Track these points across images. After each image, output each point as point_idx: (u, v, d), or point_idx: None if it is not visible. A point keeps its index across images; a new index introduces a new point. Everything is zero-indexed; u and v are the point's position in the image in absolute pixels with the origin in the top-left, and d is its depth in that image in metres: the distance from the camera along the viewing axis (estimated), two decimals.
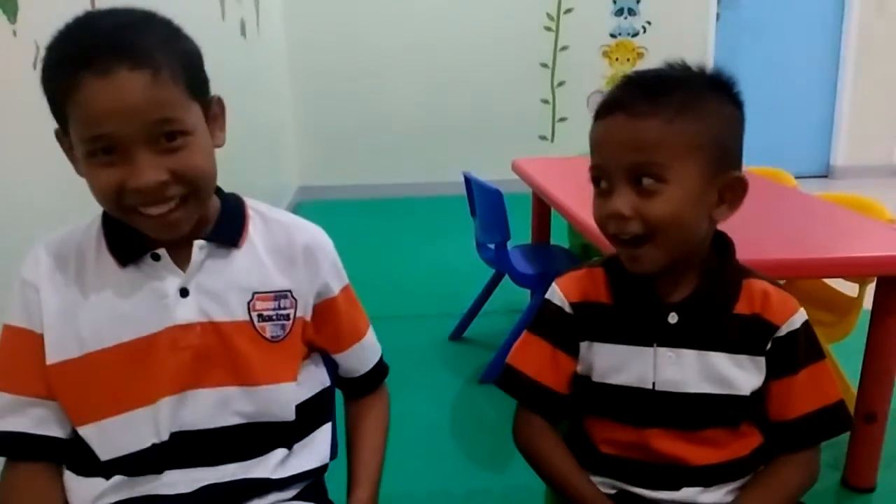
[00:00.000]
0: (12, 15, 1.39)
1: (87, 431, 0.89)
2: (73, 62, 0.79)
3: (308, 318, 0.97)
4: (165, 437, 0.88)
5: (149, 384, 0.88)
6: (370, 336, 1.07)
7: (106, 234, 0.91)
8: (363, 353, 1.06)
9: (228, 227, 0.94)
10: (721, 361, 0.94)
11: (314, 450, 1.00)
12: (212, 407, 0.90)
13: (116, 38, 0.80)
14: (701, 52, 5.19)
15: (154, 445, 0.88)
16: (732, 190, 0.92)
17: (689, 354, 0.94)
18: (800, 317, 0.96)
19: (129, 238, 0.90)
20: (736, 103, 0.93)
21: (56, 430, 0.90)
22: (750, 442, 0.98)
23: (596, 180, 0.93)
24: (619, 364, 0.97)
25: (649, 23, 5.21)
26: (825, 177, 5.56)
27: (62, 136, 0.85)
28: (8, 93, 1.37)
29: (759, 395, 0.96)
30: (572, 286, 1.02)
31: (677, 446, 0.95)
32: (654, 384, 0.95)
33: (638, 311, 0.97)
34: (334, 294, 1.00)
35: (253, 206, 0.99)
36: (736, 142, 0.94)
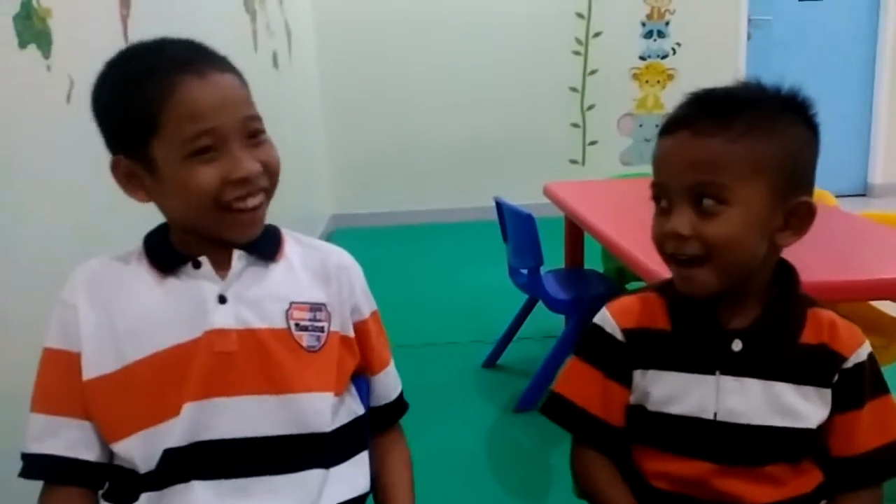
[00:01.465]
0: (46, 50, 1.41)
1: (124, 445, 0.88)
2: (167, 68, 0.85)
3: (349, 334, 0.99)
4: (190, 441, 0.87)
5: (186, 391, 0.88)
6: (393, 365, 1.09)
7: (147, 250, 0.95)
8: (388, 381, 1.08)
9: (266, 243, 0.97)
10: (787, 392, 0.90)
11: (352, 477, 0.97)
12: (247, 415, 0.89)
13: (195, 51, 0.90)
14: (732, 72, 5.14)
15: (177, 450, 0.87)
16: (799, 216, 0.88)
17: (754, 384, 0.90)
18: (866, 348, 0.92)
19: (170, 249, 0.94)
20: (810, 126, 0.90)
21: (87, 454, 0.90)
22: (811, 479, 0.93)
23: (656, 198, 0.90)
24: (679, 393, 0.92)
25: (679, 44, 5.18)
26: (863, 195, 5.45)
27: (125, 161, 0.89)
28: (42, 126, 1.39)
29: (823, 429, 0.92)
30: (625, 312, 0.98)
31: (736, 483, 0.90)
32: (715, 414, 0.91)
33: (700, 337, 0.93)
34: (365, 317, 1.03)
35: (288, 232, 1.03)
36: (807, 166, 0.90)
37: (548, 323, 2.88)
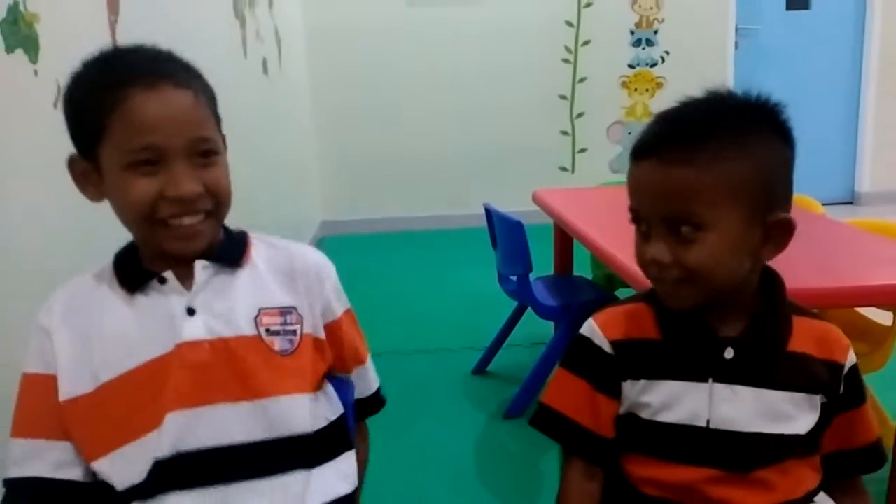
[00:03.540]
0: (34, 55, 1.40)
1: (102, 464, 0.88)
2: (119, 78, 0.85)
3: (320, 336, 0.99)
4: (172, 453, 0.87)
5: (161, 405, 0.87)
6: (370, 363, 1.10)
7: (116, 269, 0.94)
8: (361, 380, 1.09)
9: (230, 249, 0.97)
10: (778, 399, 0.91)
11: (336, 477, 0.97)
12: (224, 424, 0.89)
13: (158, 62, 0.89)
14: (720, 80, 5.17)
15: (159, 462, 0.86)
16: (779, 231, 0.88)
17: (746, 391, 0.91)
18: (852, 349, 0.96)
19: (137, 267, 0.93)
20: (784, 135, 0.89)
21: (74, 474, 0.89)
22: (802, 483, 0.94)
23: (637, 221, 0.91)
24: (672, 401, 0.92)
25: (668, 52, 5.21)
26: (850, 203, 5.49)
27: (79, 160, 0.90)
28: (29, 131, 1.38)
29: (811, 433, 0.93)
30: (613, 324, 0.97)
31: (727, 490, 0.91)
32: (708, 421, 0.91)
33: (692, 345, 0.93)
34: (337, 317, 1.02)
35: (256, 235, 1.02)
36: (782, 180, 0.89)
37: (537, 330, 2.88)
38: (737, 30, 5.23)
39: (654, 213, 0.87)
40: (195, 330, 0.90)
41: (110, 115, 0.84)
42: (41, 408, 0.89)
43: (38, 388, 0.89)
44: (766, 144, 0.87)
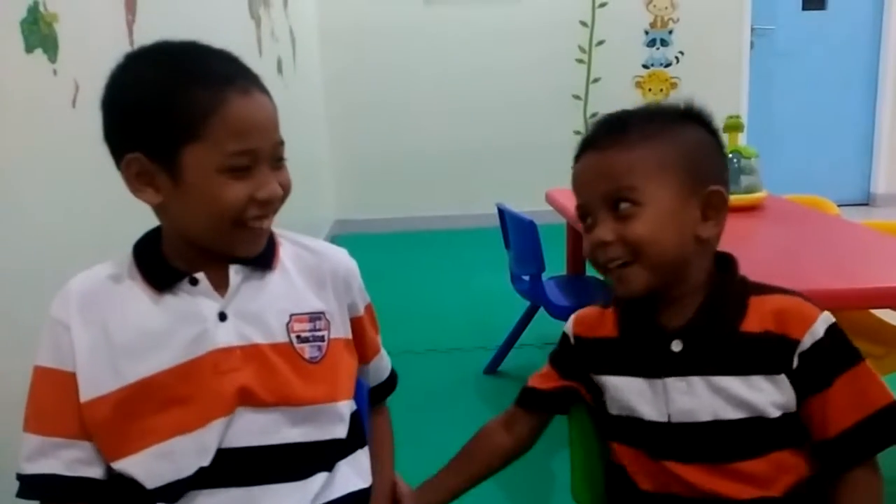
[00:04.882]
0: (53, 54, 1.42)
1: (129, 463, 0.87)
2: (218, 79, 0.85)
3: (348, 336, 1.00)
4: (209, 461, 0.87)
5: (193, 410, 0.87)
6: (382, 349, 1.12)
7: (139, 264, 0.92)
8: (379, 365, 1.12)
9: (262, 252, 0.94)
10: (733, 385, 0.89)
11: (352, 474, 0.97)
12: (256, 429, 0.89)
13: (240, 64, 0.90)
14: (735, 80, 5.16)
15: (200, 469, 0.87)
16: (713, 205, 0.92)
17: (699, 381, 0.91)
18: (822, 323, 0.88)
19: (164, 265, 0.92)
20: (710, 130, 0.96)
21: (91, 472, 0.88)
22: (793, 472, 0.90)
23: (583, 218, 0.95)
24: (631, 398, 0.95)
25: (682, 53, 5.19)
26: (866, 204, 5.45)
27: (142, 160, 0.85)
28: (47, 130, 1.40)
29: (792, 417, 0.90)
30: (581, 320, 1.06)
31: (715, 482, 0.89)
32: (669, 416, 0.92)
33: (642, 341, 0.96)
34: (361, 314, 1.04)
35: (280, 232, 1.01)
36: (711, 159, 0.95)
37: (549, 329, 2.86)
38: (752, 30, 5.20)
39: (594, 198, 0.92)
40: (227, 336, 0.89)
41: (208, 118, 0.83)
42: (59, 406, 0.88)
43: (55, 385, 0.88)
44: (690, 132, 0.94)
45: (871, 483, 0.89)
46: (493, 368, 2.79)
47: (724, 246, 0.98)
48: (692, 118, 0.95)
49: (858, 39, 5.30)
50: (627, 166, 0.90)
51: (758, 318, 0.91)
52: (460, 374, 2.77)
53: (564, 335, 1.07)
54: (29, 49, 1.34)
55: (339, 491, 0.94)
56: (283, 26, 3.78)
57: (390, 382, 1.15)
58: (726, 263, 0.97)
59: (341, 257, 1.03)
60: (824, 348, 0.88)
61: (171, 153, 0.84)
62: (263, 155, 0.87)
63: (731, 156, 2.41)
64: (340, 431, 0.95)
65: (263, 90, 0.90)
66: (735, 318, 0.91)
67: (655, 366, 0.94)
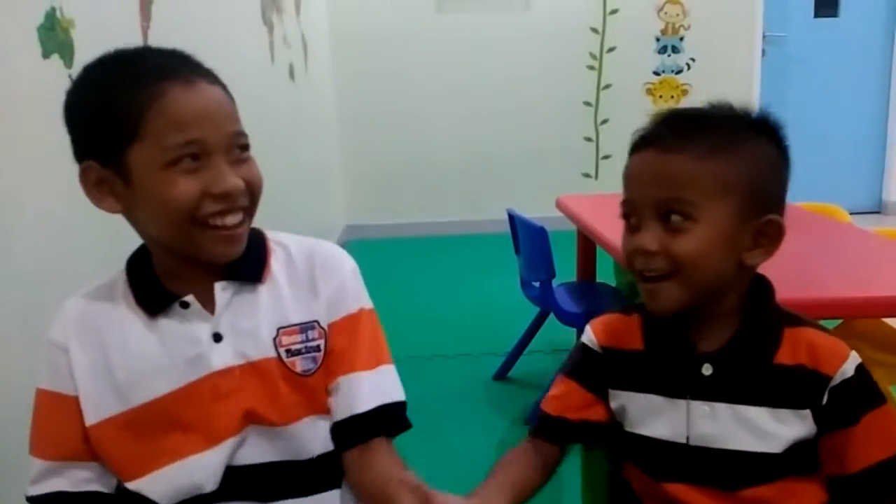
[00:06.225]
0: (69, 60, 1.43)
1: (140, 484, 0.88)
2: (153, 74, 0.82)
3: None
4: (221, 479, 0.88)
5: (201, 432, 0.87)
6: (382, 370, 0.97)
7: (132, 286, 0.91)
8: (360, 388, 0.95)
9: (250, 262, 0.92)
10: (760, 416, 0.87)
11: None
12: (267, 446, 0.90)
13: (184, 58, 0.87)
14: (746, 88, 5.14)
15: (214, 487, 0.88)
16: (768, 235, 0.88)
17: (724, 408, 0.88)
18: (852, 362, 0.87)
19: (155, 288, 0.90)
20: (780, 147, 0.90)
21: (96, 487, 0.89)
22: (804, 500, 0.90)
23: (626, 216, 0.91)
24: (651, 416, 0.92)
25: (693, 59, 5.18)
26: (878, 212, 5.41)
27: (96, 168, 0.84)
28: (65, 135, 1.41)
29: (800, 449, 0.88)
30: (604, 329, 0.99)
31: None
32: (688, 438, 0.90)
33: (670, 360, 0.92)
34: (339, 317, 0.96)
35: (274, 238, 0.98)
36: (776, 186, 0.90)
37: (559, 336, 2.88)
38: (764, 37, 5.18)
39: (645, 201, 0.87)
40: (223, 357, 0.89)
41: (146, 113, 0.80)
42: (62, 429, 0.88)
43: (58, 409, 0.88)
44: (762, 150, 0.88)
45: None
46: (502, 374, 2.79)
47: None
48: (765, 131, 0.89)
49: (871, 47, 5.28)
50: (689, 178, 0.84)
51: (791, 350, 0.89)
52: (469, 380, 2.77)
53: (585, 345, 1.00)
54: (46, 55, 1.36)
55: None
56: (295, 32, 3.80)
57: (395, 413, 0.97)
58: (762, 287, 0.93)
59: (335, 259, 0.99)
60: (853, 386, 0.87)
61: (117, 156, 0.83)
62: (214, 146, 0.82)
63: None
64: (322, 448, 0.93)
65: (214, 82, 0.86)
66: (770, 349, 0.89)
67: (681, 386, 0.91)
